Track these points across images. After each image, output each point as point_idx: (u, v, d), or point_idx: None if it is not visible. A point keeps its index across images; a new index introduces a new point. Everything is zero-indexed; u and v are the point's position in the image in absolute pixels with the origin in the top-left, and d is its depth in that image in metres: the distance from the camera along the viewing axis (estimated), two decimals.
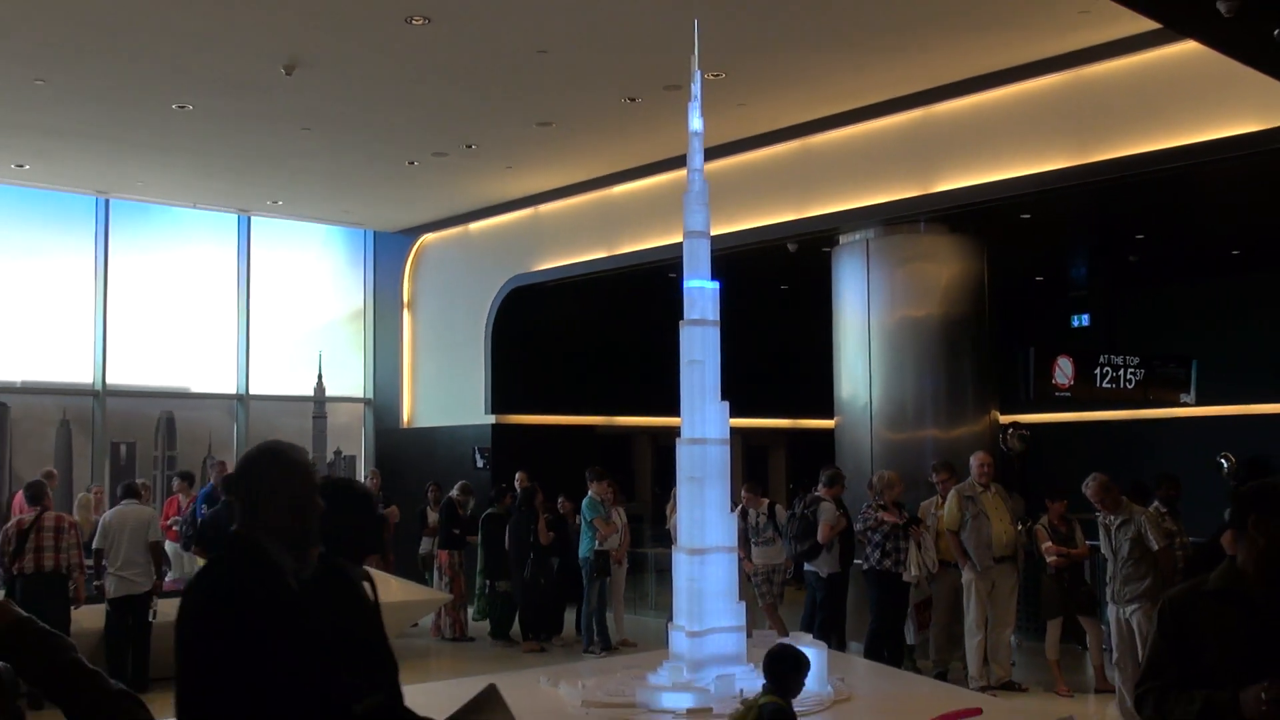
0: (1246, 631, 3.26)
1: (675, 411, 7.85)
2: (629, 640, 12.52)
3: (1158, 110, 10.35)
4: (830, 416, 13.29)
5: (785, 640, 6.29)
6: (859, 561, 10.82)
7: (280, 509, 2.99)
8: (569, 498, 13.41)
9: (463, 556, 13.63)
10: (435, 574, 13.60)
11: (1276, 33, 7.10)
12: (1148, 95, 10.45)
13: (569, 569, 12.95)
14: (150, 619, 10.30)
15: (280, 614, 2.85)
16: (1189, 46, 9.37)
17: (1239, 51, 7.94)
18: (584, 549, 12.55)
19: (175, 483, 14.10)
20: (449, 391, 17.50)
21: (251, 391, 17.44)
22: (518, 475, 13.66)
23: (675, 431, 7.95)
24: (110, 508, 11.04)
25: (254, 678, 2.74)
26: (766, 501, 12.10)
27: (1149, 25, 9.28)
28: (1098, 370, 14.95)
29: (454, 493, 13.76)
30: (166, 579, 12.29)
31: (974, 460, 10.57)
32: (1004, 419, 13.31)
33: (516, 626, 13.17)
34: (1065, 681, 10.26)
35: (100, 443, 16.20)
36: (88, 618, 10.13)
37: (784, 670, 5.16)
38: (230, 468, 13.39)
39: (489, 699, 3.81)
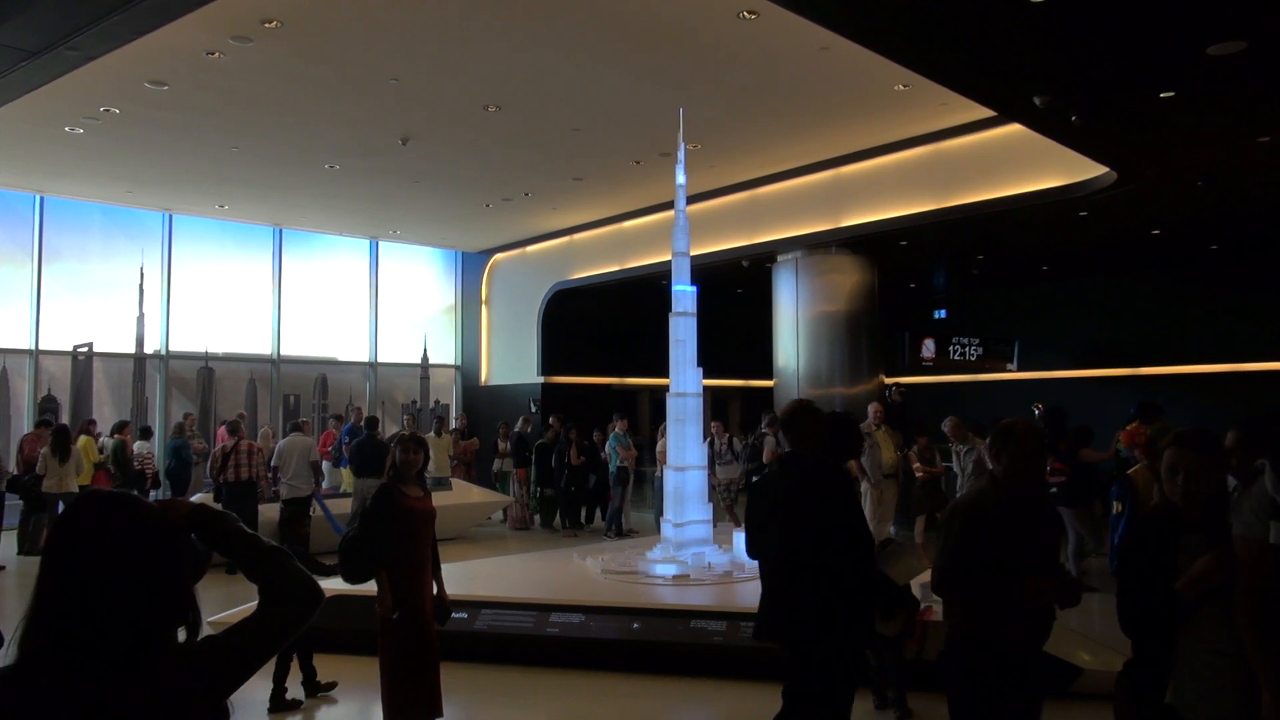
0: (1007, 529, 3.15)
1: (666, 374, 7.84)
2: (634, 529, 12.46)
3: (993, 171, 10.30)
4: (770, 378, 13.27)
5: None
6: None
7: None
8: (599, 432, 13.35)
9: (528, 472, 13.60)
10: (512, 484, 13.49)
11: (1074, 118, 7.10)
12: (986, 160, 10.39)
13: (599, 482, 12.88)
14: (310, 514, 10.29)
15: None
16: (1015, 127, 9.32)
17: (1048, 131, 7.91)
18: (613, 465, 12.46)
19: (330, 422, 14.05)
20: (512, 361, 17.36)
21: (379, 360, 17.34)
22: (551, 418, 13.63)
23: (666, 388, 7.94)
24: (283, 438, 11.00)
25: None
26: (728, 434, 12.08)
27: (987, 112, 9.23)
28: (951, 347, 14.88)
29: (517, 426, 13.67)
30: (323, 487, 12.33)
31: (871, 408, 10.34)
32: (888, 380, 13.27)
33: (560, 520, 13.15)
34: (926, 557, 10.24)
35: (276, 395, 16.13)
36: (268, 512, 10.14)
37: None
38: (365, 413, 13.34)
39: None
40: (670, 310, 7.98)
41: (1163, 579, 2.75)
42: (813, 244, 12.35)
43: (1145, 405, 9.06)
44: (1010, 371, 15.62)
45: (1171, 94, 6.69)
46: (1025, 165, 9.98)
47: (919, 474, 10.25)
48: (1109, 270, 15.59)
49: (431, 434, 13.28)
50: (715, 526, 8.09)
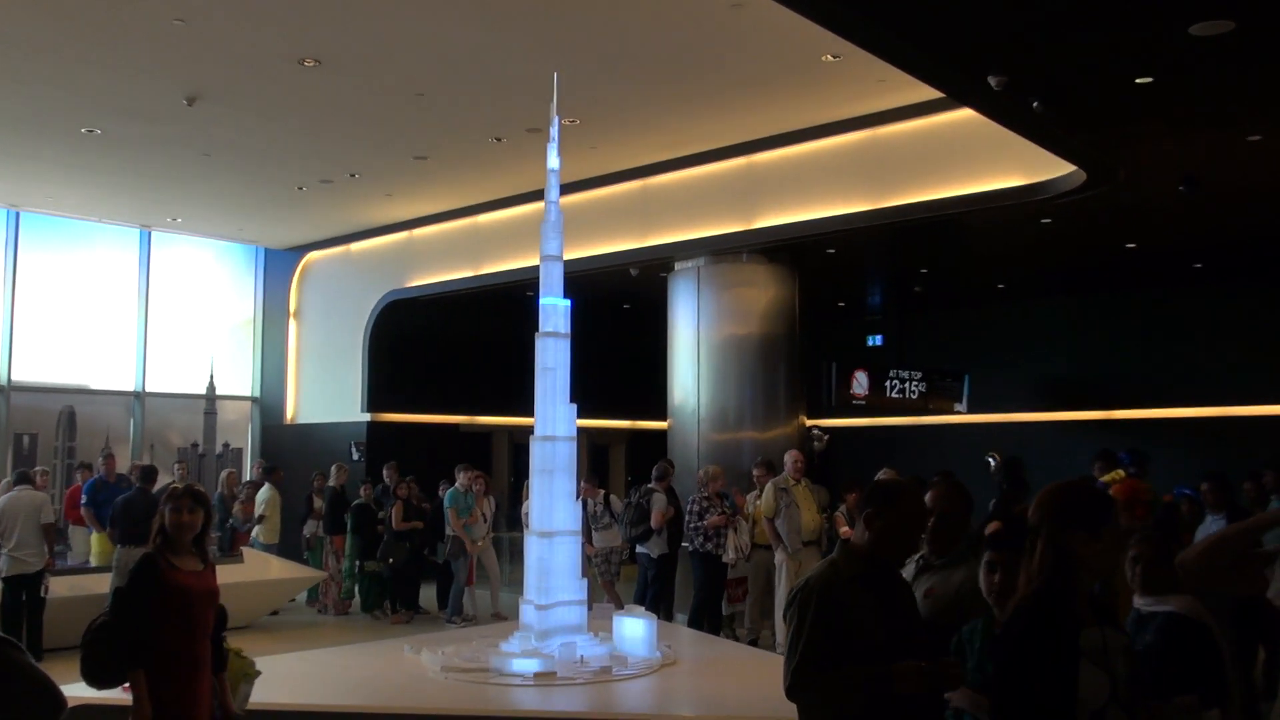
0: (880, 611, 3.28)
1: (530, 412, 7.82)
2: (502, 614, 12.27)
3: (939, 165, 10.66)
4: (664, 419, 13.38)
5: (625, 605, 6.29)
6: (685, 545, 10.89)
7: None
8: (432, 486, 13.22)
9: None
10: (327, 555, 13.22)
11: (1035, 105, 7.39)
12: (931, 152, 10.74)
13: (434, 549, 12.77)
14: (42, 595, 9.83)
15: None
16: (966, 113, 9.61)
17: (1006, 119, 8.23)
18: (446, 532, 12.38)
19: (79, 473, 13.48)
20: (329, 391, 17.15)
21: (148, 389, 16.83)
22: (386, 467, 13.46)
23: (530, 430, 7.92)
24: (3, 494, 10.46)
25: None
26: (602, 492, 12.09)
27: (934, 94, 9.50)
28: (888, 382, 15.24)
29: (333, 479, 13.46)
30: (70, 561, 11.82)
31: (788, 457, 10.62)
32: (810, 422, 13.55)
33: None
34: None
35: (3, 434, 15.43)
36: None
37: None
38: (126, 461, 12.87)
39: None
40: (537, 330, 7.97)
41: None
42: (719, 249, 12.56)
43: (1104, 452, 9.53)
44: (959, 413, 16.14)
45: (1149, 80, 7.03)
46: (979, 160, 10.36)
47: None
48: (1077, 290, 16.29)
49: (251, 481, 12.92)
50: (591, 609, 8.08)
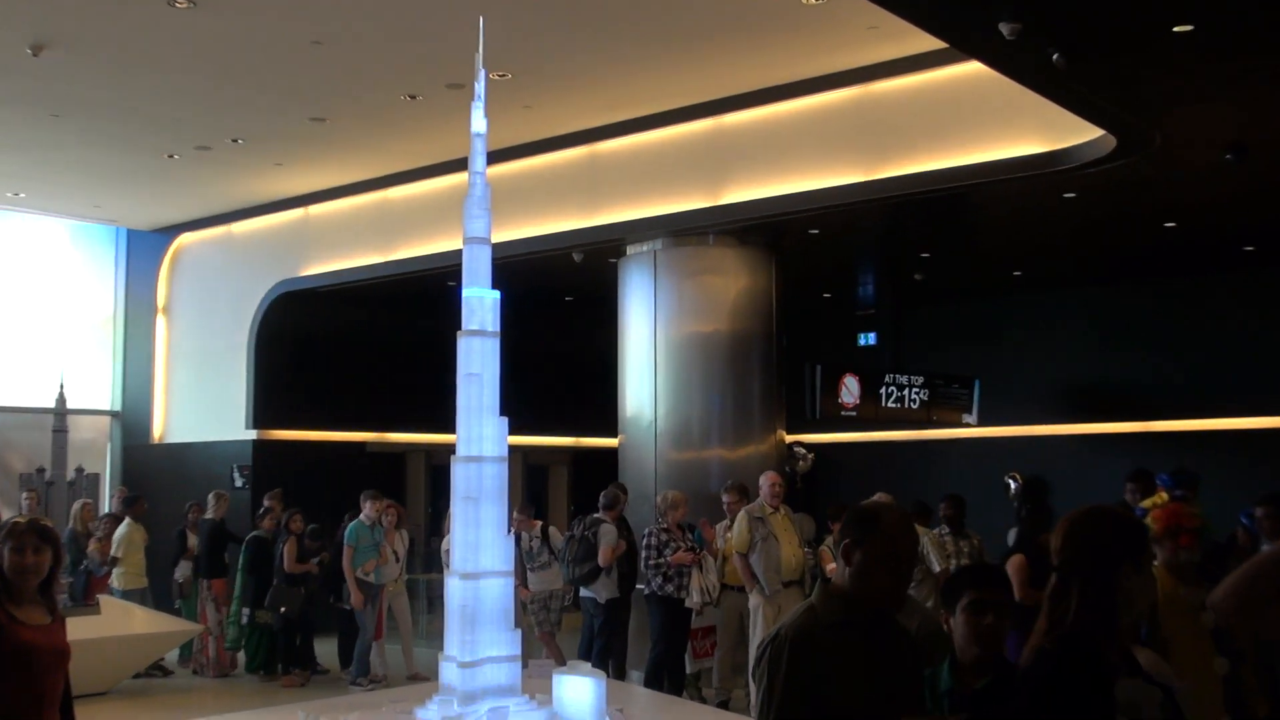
0: (866, 667, 3.25)
1: (452, 428, 7.79)
2: (421, 674, 12.20)
3: (943, 129, 10.75)
4: (614, 434, 13.43)
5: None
6: (641, 587, 10.90)
7: None
8: (335, 517, 13.14)
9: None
10: (204, 603, 13.09)
11: (1055, 57, 7.42)
12: (934, 113, 10.84)
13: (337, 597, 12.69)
14: None
15: None
16: (974, 67, 9.70)
17: (1020, 74, 8.30)
18: (349, 576, 12.28)
19: None
20: (207, 404, 17.05)
21: None
22: (269, 496, 13.36)
23: (451, 449, 7.89)
24: None
25: None
26: (540, 524, 12.07)
27: (936, 44, 9.58)
28: (883, 389, 15.35)
29: (211, 510, 13.36)
30: None
31: (764, 480, 10.56)
32: (790, 439, 13.61)
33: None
34: None
35: None
36: None
37: None
38: None
39: None
40: (460, 328, 7.95)
41: None
42: (680, 229, 12.62)
43: (1139, 473, 9.64)
44: (968, 426, 16.28)
45: (1189, 28, 7.10)
46: (989, 123, 10.46)
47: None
48: (1107, 279, 16.46)
49: (110, 514, 12.82)
50: (525, 666, 8.06)
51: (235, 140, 13.32)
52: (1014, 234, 13.87)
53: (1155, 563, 6.05)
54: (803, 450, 15.20)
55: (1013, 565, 7.87)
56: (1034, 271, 16.08)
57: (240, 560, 12.96)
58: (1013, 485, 13.93)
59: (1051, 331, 17.00)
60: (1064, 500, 9.03)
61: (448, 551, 10.51)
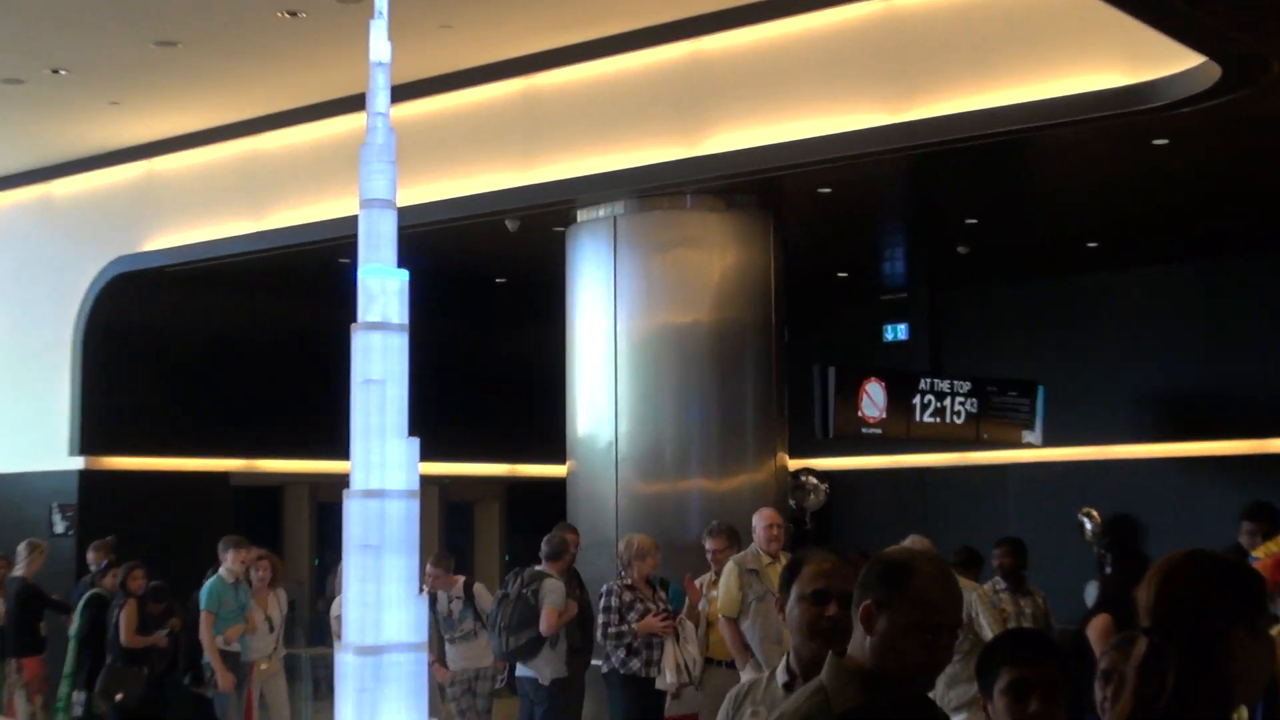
0: None
1: (344, 453, 7.78)
2: None
3: (993, 56, 10.75)
4: (561, 461, 13.45)
5: None
6: (598, 662, 10.89)
7: None
8: (188, 574, 13.07)
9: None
10: (9, 690, 13.03)
11: None
12: (980, 36, 10.83)
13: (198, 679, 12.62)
14: None
15: None
16: None
17: None
18: (205, 651, 12.18)
19: None
20: (16, 423, 16.97)
21: None
22: (93, 547, 13.27)
23: (343, 481, 7.87)
24: None
25: None
26: (462, 580, 12.04)
27: None
28: (918, 399, 15.37)
29: (20, 566, 13.27)
30: None
31: (759, 521, 10.49)
32: (794, 464, 13.62)
33: None
34: None
35: None
36: None
37: None
38: None
39: None
40: (355, 319, 7.94)
41: None
42: (649, 187, 12.66)
43: (1257, 507, 9.69)
44: (1030, 446, 16.32)
45: None
46: (1054, 47, 10.48)
47: None
48: (1210, 254, 16.57)
49: None
50: None
51: (56, 71, 13.24)
52: (1088, 194, 13.92)
53: (1277, 627, 6.09)
54: (812, 481, 15.24)
55: (1095, 630, 7.90)
56: (1114, 244, 16.14)
57: (74, 627, 12.86)
58: (1089, 525, 13.98)
59: (1138, 322, 17.02)
60: (1158, 543, 9.04)
61: (338, 618, 10.45)
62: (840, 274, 17.63)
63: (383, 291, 8.03)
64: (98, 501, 15.99)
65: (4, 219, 17.57)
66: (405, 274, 8.03)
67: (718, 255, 12.81)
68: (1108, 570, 9.58)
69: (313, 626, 15.64)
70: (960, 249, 16.20)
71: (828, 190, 12.98)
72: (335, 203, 13.69)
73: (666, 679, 10.55)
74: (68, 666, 12.91)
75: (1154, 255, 16.61)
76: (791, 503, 13.58)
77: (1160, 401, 16.76)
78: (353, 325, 7.95)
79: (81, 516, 15.90)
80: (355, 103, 12.56)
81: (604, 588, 10.89)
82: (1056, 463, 16.51)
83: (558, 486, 13.68)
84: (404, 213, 8.22)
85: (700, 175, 12.32)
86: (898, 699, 3.31)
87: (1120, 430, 16.66)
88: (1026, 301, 17.76)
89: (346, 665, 7.81)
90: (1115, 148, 11.66)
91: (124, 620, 12.40)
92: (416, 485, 7.93)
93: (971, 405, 15.73)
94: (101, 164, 16.36)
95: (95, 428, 16.34)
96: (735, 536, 10.85)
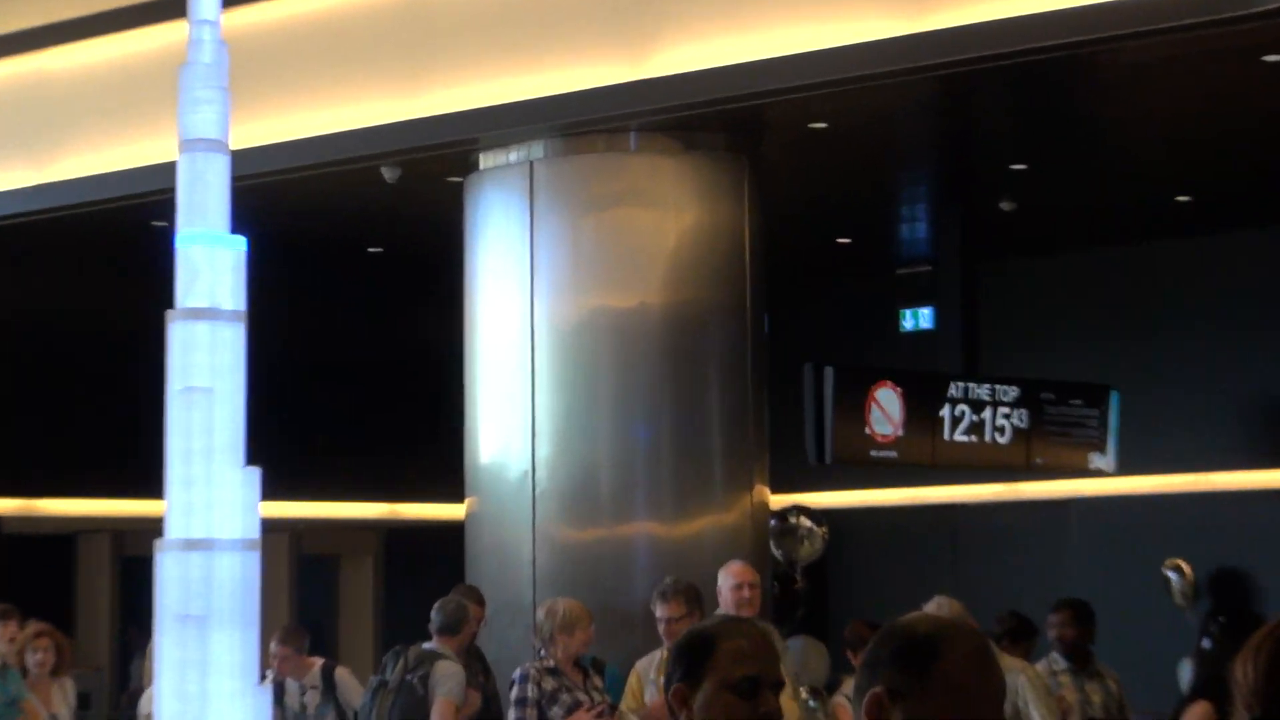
0: None
1: (154, 491, 7.74)
2: None
3: None
4: (459, 498, 13.46)
5: None
6: None
7: None
8: None
9: None
10: None
11: None
12: None
13: None
14: None
15: None
16: None
17: None
18: None
19: None
20: None
21: None
22: None
23: (154, 529, 7.83)
24: None
25: None
26: (319, 665, 12.04)
27: None
28: (947, 411, 15.36)
29: None
30: None
31: (727, 579, 10.63)
32: (778, 501, 13.60)
33: None
34: None
35: None
36: None
37: None
38: None
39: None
40: (173, 304, 7.90)
41: None
42: (579, 122, 12.69)
43: None
44: (1099, 473, 16.34)
45: None
46: None
47: None
48: None
49: None
50: None
51: None
52: (1174, 131, 14.02)
53: None
54: (805, 524, 15.19)
55: (1194, 718, 7.97)
56: (1211, 198, 16.31)
57: None
58: (1179, 581, 13.98)
59: (1245, 305, 17.14)
60: (1276, 603, 8.98)
61: (149, 717, 10.43)
62: (841, 240, 17.70)
63: (210, 266, 7.97)
64: None
65: None
66: (243, 242, 7.97)
67: (672, 215, 12.84)
68: (1206, 643, 9.58)
69: None
70: (1004, 205, 16.32)
71: (823, 126, 13.00)
72: (144, 145, 13.66)
73: None
74: None
75: (1265, 213, 16.81)
76: (776, 553, 13.55)
77: (1276, 413, 16.86)
78: (168, 313, 7.90)
79: None
80: (172, 8, 12.53)
81: (517, 672, 10.89)
82: (1135, 497, 16.56)
83: (453, 533, 13.70)
84: (240, 158, 8.16)
85: (649, 105, 12.33)
86: None
87: (1222, 452, 16.75)
88: (1093, 277, 17.84)
89: None
90: (1212, 66, 11.73)
91: None
92: (257, 533, 7.88)
93: (1020, 419, 15.71)
94: None
95: None
96: (697, 600, 10.82)
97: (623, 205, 12.86)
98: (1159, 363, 16.96)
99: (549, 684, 10.68)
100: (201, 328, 7.85)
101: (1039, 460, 15.96)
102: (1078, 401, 16.18)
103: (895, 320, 18.56)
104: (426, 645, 11.14)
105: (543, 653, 10.84)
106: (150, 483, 7.67)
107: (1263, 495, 16.52)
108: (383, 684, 11.23)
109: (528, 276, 12.84)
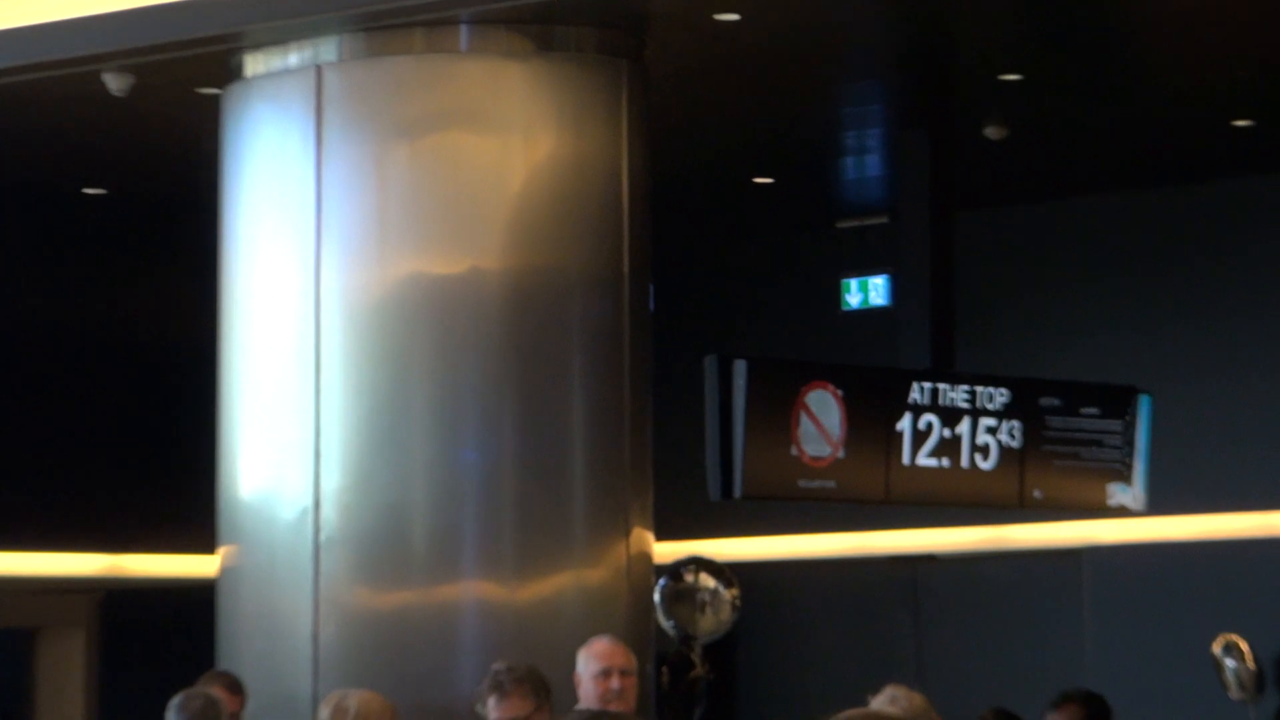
0: None
1: None
2: None
3: None
4: (209, 548, 13.30)
5: None
6: None
7: None
8: None
9: None
10: None
11: None
12: None
13: None
14: None
15: None
16: None
17: None
18: None
19: None
20: None
21: None
22: None
23: None
24: None
25: None
26: None
27: None
28: (907, 420, 15.28)
29: None
30: None
31: (588, 663, 10.52)
32: (667, 551, 13.46)
33: None
34: None
35: None
36: None
37: None
38: None
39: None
40: None
41: None
42: (384, 10, 12.41)
43: None
44: (1123, 511, 16.27)
45: None
46: None
47: None
48: None
49: None
50: None
51: None
52: (1231, 25, 13.90)
53: None
54: (709, 584, 15.07)
55: None
56: (1274, 122, 16.27)
57: None
58: (1232, 664, 13.94)
59: None
60: None
61: None
62: (759, 180, 17.63)
63: None
64: None
65: None
66: None
67: (519, 145, 12.76)
68: None
69: None
70: (989, 131, 16.31)
71: (734, 18, 12.81)
72: None
73: None
74: None
75: None
76: (666, 625, 13.38)
77: None
78: None
79: None
80: None
81: None
82: (1173, 545, 16.62)
83: (200, 597, 13.55)
84: None
85: None
86: None
87: None
88: (1112, 232, 17.92)
89: None
90: None
91: None
92: None
93: (1011, 434, 15.62)
94: None
95: None
96: (543, 692, 10.71)
97: (449, 130, 12.76)
98: (1207, 356, 16.94)
99: None
100: None
101: (1037, 493, 15.82)
102: (1092, 410, 16.07)
103: (836, 294, 18.59)
104: None
105: None
106: None
107: None
108: None
109: (312, 230, 12.72)
